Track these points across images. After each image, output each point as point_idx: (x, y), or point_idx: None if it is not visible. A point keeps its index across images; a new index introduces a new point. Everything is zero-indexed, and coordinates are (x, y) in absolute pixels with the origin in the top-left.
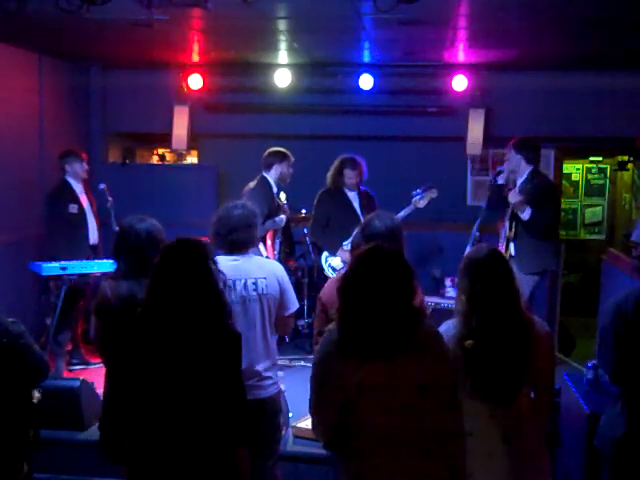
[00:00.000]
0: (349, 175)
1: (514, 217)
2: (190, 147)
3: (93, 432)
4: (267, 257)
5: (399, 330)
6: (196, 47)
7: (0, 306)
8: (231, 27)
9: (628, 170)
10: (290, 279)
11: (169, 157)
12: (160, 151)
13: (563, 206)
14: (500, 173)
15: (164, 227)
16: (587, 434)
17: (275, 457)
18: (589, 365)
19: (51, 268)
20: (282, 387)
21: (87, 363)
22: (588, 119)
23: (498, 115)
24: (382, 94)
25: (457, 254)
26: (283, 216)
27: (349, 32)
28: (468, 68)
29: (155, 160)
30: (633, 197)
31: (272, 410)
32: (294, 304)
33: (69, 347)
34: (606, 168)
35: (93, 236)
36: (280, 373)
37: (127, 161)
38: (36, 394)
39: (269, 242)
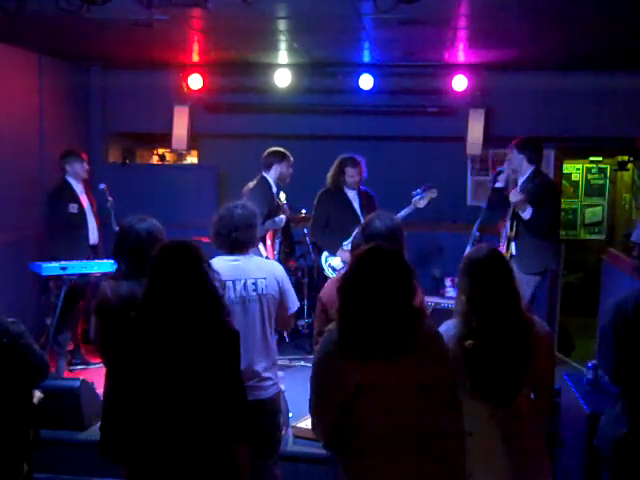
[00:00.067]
0: (350, 173)
1: (515, 216)
2: (190, 147)
3: (93, 432)
4: (267, 257)
5: (399, 330)
6: (196, 47)
7: (0, 306)
8: (231, 27)
9: (628, 170)
10: (290, 279)
11: (169, 157)
12: (160, 151)
13: (563, 206)
14: (500, 173)
15: (164, 227)
16: (587, 434)
17: (275, 457)
18: (589, 365)
19: (51, 268)
20: (282, 387)
21: (87, 363)
22: (588, 119)
23: (498, 115)
24: (382, 94)
25: (457, 254)
26: (283, 216)
27: (349, 32)
28: (468, 68)
29: (155, 160)
30: (633, 197)
31: (272, 410)
32: (294, 304)
33: (70, 347)
34: (606, 168)
35: (93, 236)
36: (280, 373)
37: (127, 161)
38: (37, 394)
39: (269, 242)
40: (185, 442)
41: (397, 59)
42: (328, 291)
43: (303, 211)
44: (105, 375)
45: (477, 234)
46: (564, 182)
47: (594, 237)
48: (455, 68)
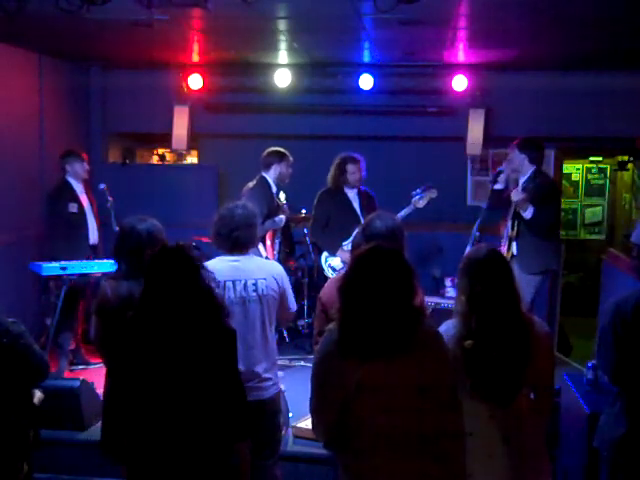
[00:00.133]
0: (351, 170)
1: (516, 216)
2: (190, 147)
3: (93, 432)
4: (266, 257)
5: (399, 330)
6: (196, 47)
7: (0, 306)
8: (231, 27)
9: (628, 170)
10: (290, 279)
11: (169, 157)
12: (160, 151)
13: (563, 206)
14: (500, 173)
15: (164, 227)
16: (587, 434)
17: (275, 457)
18: (589, 365)
19: (51, 268)
20: (282, 387)
21: (87, 363)
22: (588, 119)
23: (498, 115)
24: (382, 94)
25: (457, 254)
26: (282, 216)
27: (349, 32)
28: (468, 68)
29: (155, 160)
30: (633, 197)
31: (272, 410)
32: (293, 305)
33: (72, 346)
34: (606, 168)
35: (93, 236)
36: (280, 373)
37: (127, 161)
38: (38, 394)
39: (268, 242)
40: (184, 441)
41: (397, 59)
42: (328, 291)
43: (303, 211)
44: (105, 375)
45: (477, 234)
46: (564, 182)
47: (594, 237)
48: (455, 68)
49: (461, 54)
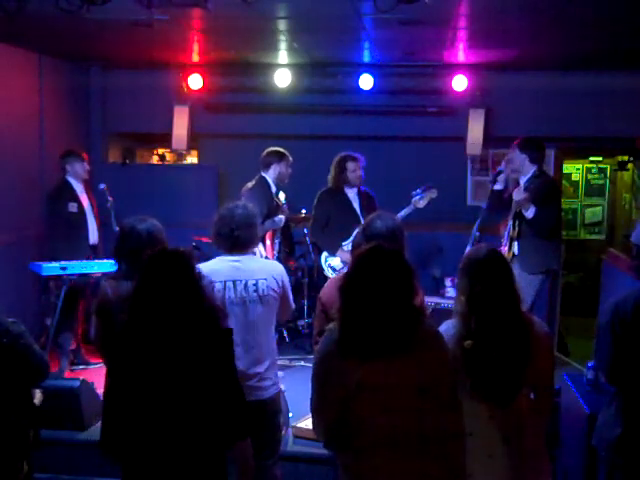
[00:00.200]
0: (352, 168)
1: (518, 216)
2: (190, 147)
3: (93, 432)
4: (266, 257)
5: (399, 330)
6: (196, 47)
7: (0, 306)
8: (231, 27)
9: (628, 170)
10: (290, 279)
11: (169, 157)
12: (160, 151)
13: (563, 206)
14: (500, 173)
15: (164, 227)
16: (587, 434)
17: (275, 457)
18: (589, 365)
19: (51, 268)
20: (282, 387)
21: (87, 363)
22: (588, 119)
23: (498, 115)
24: (382, 94)
25: (457, 254)
26: (282, 216)
27: (349, 32)
28: (468, 68)
29: (155, 160)
30: (633, 197)
31: (272, 410)
32: (292, 305)
33: (72, 346)
34: (606, 168)
35: (93, 236)
36: (280, 373)
37: (127, 161)
38: (38, 394)
39: (268, 242)
40: (182, 441)
41: (397, 59)
42: (328, 291)
43: (303, 211)
44: (105, 375)
45: (477, 234)
46: (564, 182)
47: (594, 237)
48: (455, 68)
49: (461, 54)
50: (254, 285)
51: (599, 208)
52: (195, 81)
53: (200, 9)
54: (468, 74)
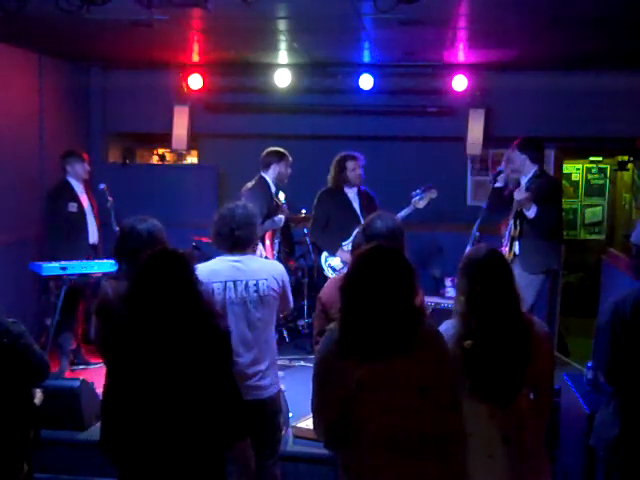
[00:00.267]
0: (352, 166)
1: (519, 216)
2: (190, 147)
3: (93, 432)
4: (266, 257)
5: (400, 330)
6: (196, 47)
7: (0, 306)
8: (231, 27)
9: (628, 170)
10: (290, 279)
11: (169, 157)
12: (160, 151)
13: (563, 206)
14: (500, 173)
15: (164, 227)
16: (587, 434)
17: (275, 457)
18: (589, 365)
19: (51, 268)
20: (282, 387)
21: (87, 363)
22: (588, 119)
23: (498, 115)
24: (382, 94)
25: (457, 254)
26: (282, 216)
27: (349, 32)
28: (468, 68)
29: (155, 160)
30: (633, 197)
31: (272, 410)
32: (291, 302)
33: (73, 346)
34: (606, 168)
35: (93, 236)
36: (280, 373)
37: (127, 161)
38: (39, 394)
39: (268, 242)
40: (180, 440)
41: (397, 59)
42: (328, 291)
43: (303, 211)
44: (105, 375)
45: (477, 234)
46: (564, 182)
47: (594, 237)
48: (455, 68)
49: (461, 54)
50: (255, 285)
51: (599, 208)
52: (195, 81)
53: (200, 9)
54: (468, 74)
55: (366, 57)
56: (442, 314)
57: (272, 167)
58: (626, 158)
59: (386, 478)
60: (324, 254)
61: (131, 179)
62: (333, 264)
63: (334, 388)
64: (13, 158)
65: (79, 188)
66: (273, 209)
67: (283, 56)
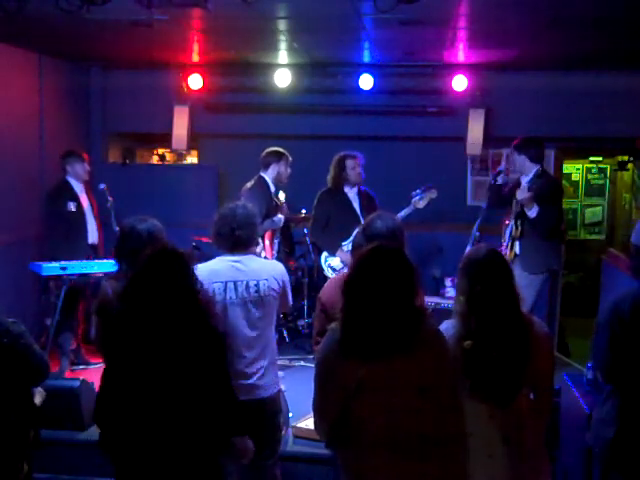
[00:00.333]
0: (351, 165)
1: (520, 216)
2: (190, 147)
3: (93, 432)
4: (265, 257)
5: (402, 330)
6: (196, 47)
7: (0, 306)
8: (231, 27)
9: (628, 170)
10: (290, 279)
11: (169, 157)
12: (160, 151)
13: (563, 206)
14: (500, 173)
15: (164, 227)
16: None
17: (275, 457)
18: (589, 365)
19: (51, 268)
20: (282, 387)
21: (87, 363)
22: (588, 119)
23: (498, 115)
24: (382, 94)
25: (457, 254)
26: (281, 216)
27: (349, 32)
28: (468, 68)
29: (155, 160)
30: (633, 197)
31: (272, 410)
32: (290, 301)
33: (73, 346)
34: (606, 168)
35: (92, 236)
36: (280, 373)
37: (127, 161)
38: (40, 393)
39: (267, 242)
40: (174, 439)
41: (397, 59)
42: (328, 291)
43: (303, 211)
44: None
45: (477, 234)
46: (564, 182)
47: (594, 237)
48: (455, 68)
49: (461, 54)
50: (255, 286)
51: (599, 208)
52: (195, 81)
53: (200, 9)
54: (468, 74)
55: (366, 57)
56: (442, 314)
57: (271, 167)
58: (626, 158)
59: (386, 478)
60: (324, 254)
61: (131, 179)
62: (333, 264)
63: (335, 388)
64: (13, 158)
65: (79, 188)
66: (272, 209)
67: (283, 56)
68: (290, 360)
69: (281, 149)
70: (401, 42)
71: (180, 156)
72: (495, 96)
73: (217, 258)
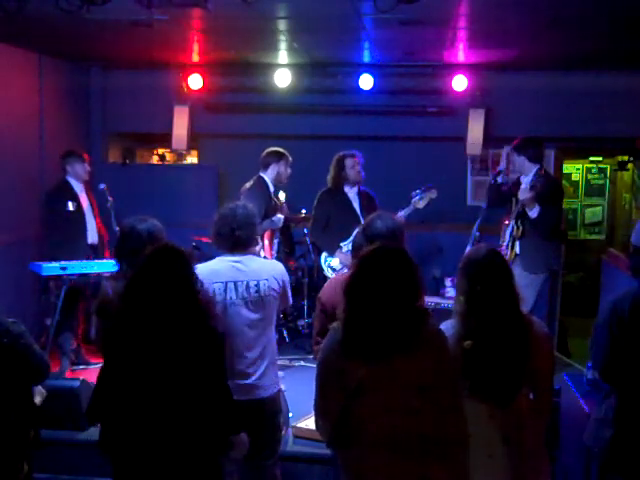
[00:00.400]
0: (350, 164)
1: (521, 216)
2: (190, 147)
3: (93, 432)
4: (264, 257)
5: (404, 331)
6: (196, 47)
7: (0, 306)
8: (231, 27)
9: (628, 170)
10: (290, 279)
11: (169, 157)
12: (160, 151)
13: (563, 206)
14: (500, 173)
15: (164, 227)
16: None
17: (275, 457)
18: (589, 365)
19: (51, 268)
20: (282, 387)
21: (87, 363)
22: (588, 119)
23: (498, 115)
24: (382, 94)
25: (457, 254)
26: (280, 215)
27: (349, 32)
28: (468, 68)
29: (155, 160)
30: (633, 197)
31: (272, 410)
32: (290, 300)
33: (73, 346)
34: (606, 168)
35: (92, 236)
36: (280, 373)
37: (127, 161)
38: (41, 392)
39: (266, 242)
40: (172, 440)
41: (397, 59)
42: (328, 291)
43: (303, 211)
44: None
45: (477, 234)
46: (564, 182)
47: (594, 237)
48: (455, 68)
49: (461, 54)
50: (255, 286)
51: (599, 208)
52: (195, 81)
53: (200, 9)
54: (468, 74)
55: (366, 57)
56: (442, 314)
57: (271, 167)
58: (626, 158)
59: (386, 478)
60: (324, 254)
61: (131, 179)
62: (333, 264)
63: (336, 388)
64: (13, 158)
65: (79, 188)
66: (271, 209)
67: (283, 56)
68: (290, 360)
69: (281, 149)
70: (401, 42)
71: (180, 156)
72: (495, 96)
73: (217, 258)
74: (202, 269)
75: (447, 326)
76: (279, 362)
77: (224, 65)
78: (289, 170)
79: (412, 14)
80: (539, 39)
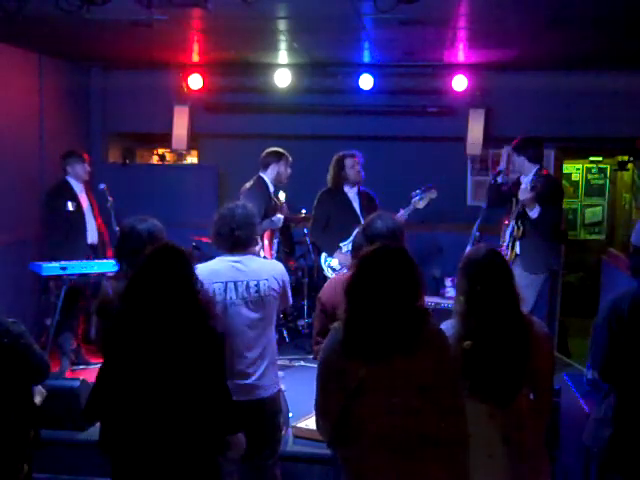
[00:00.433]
0: (350, 164)
1: (521, 216)
2: (190, 147)
3: (93, 432)
4: (264, 257)
5: (405, 331)
6: (196, 47)
7: (0, 306)
8: (231, 27)
9: (628, 170)
10: (290, 279)
11: (169, 157)
12: (160, 151)
13: (563, 206)
14: (500, 173)
15: (164, 227)
16: None
17: (275, 457)
18: (589, 365)
19: (51, 268)
20: (282, 387)
21: (87, 363)
22: (588, 119)
23: (498, 115)
24: (382, 94)
25: (457, 254)
26: (280, 215)
27: (349, 32)
28: (468, 68)
29: (155, 160)
30: (633, 197)
31: (272, 410)
32: (290, 300)
33: (73, 346)
34: (606, 168)
35: (92, 236)
36: (280, 373)
37: (127, 161)
38: (41, 391)
39: (266, 242)
40: (171, 440)
41: (397, 59)
42: (328, 291)
43: (303, 211)
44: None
45: (477, 234)
46: (564, 182)
47: (594, 237)
48: (455, 68)
49: (461, 54)
50: (255, 286)
51: (599, 208)
52: (195, 81)
53: (200, 9)
54: (468, 74)
55: (366, 57)
56: (442, 314)
57: (271, 167)
58: (626, 158)
59: (386, 478)
60: (324, 254)
61: (131, 179)
62: (333, 264)
63: (337, 388)
64: (13, 158)
65: (78, 188)
66: (271, 209)
67: (283, 56)
68: (290, 360)
69: (281, 149)
70: (401, 42)
71: (180, 156)
72: (495, 96)
73: (217, 258)
74: (202, 269)
75: (447, 326)
76: (279, 362)
77: (224, 65)
78: (289, 170)
79: (412, 14)
80: (539, 39)
